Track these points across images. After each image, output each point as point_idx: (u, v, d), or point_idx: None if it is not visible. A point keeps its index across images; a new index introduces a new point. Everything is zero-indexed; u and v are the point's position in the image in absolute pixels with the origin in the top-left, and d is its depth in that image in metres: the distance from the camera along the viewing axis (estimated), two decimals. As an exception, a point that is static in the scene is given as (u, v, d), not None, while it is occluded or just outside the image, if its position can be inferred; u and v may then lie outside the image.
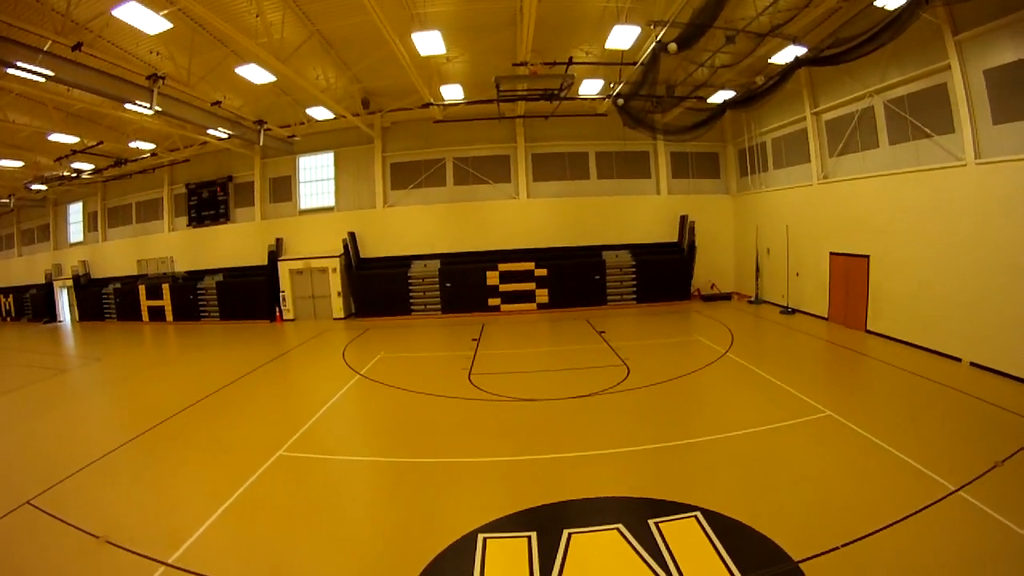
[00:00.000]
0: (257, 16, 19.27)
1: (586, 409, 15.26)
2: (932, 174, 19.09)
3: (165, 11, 16.78)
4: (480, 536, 8.82)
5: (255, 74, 21.93)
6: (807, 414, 13.81)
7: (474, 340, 25.27)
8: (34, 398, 19.86)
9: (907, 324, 20.46)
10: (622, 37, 19.55)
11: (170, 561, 8.56)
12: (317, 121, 31.31)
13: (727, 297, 34.10)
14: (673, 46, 17.88)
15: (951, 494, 9.46)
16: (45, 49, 17.85)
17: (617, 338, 24.04)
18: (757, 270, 31.73)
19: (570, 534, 8.72)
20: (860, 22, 17.78)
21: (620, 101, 25.09)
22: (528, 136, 34.78)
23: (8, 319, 49.52)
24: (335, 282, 34.36)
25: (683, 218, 33.92)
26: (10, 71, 17.86)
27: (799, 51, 20.05)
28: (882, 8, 16.48)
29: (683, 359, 20.32)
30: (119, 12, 16.29)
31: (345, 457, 13.00)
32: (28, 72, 17.85)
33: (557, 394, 16.48)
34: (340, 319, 34.14)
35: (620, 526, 8.84)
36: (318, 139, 35.26)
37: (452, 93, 28.18)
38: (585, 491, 10.25)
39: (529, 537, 8.72)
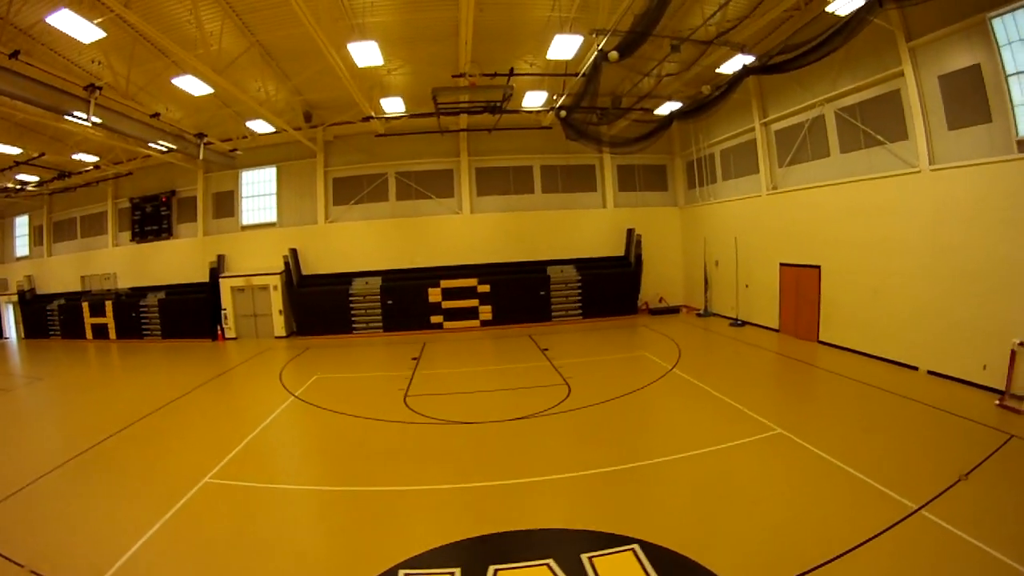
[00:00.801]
0: (196, 27, 18.42)
1: (523, 432, 14.51)
2: (885, 181, 18.85)
3: (100, 19, 16.12)
4: (401, 572, 8.15)
5: (193, 85, 21.37)
6: (757, 432, 13.15)
7: (414, 359, 24.39)
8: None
9: (861, 334, 20.12)
10: (564, 47, 19.02)
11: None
12: (260, 135, 30.39)
13: (675, 310, 33.64)
14: (614, 54, 17.44)
15: (912, 514, 8.85)
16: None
17: (560, 355, 23.33)
18: (706, 282, 31.39)
19: (496, 571, 8.05)
20: (810, 29, 17.59)
21: (563, 113, 24.77)
22: (472, 150, 34.10)
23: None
24: (276, 300, 33.17)
25: (630, 231, 33.47)
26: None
27: (747, 60, 19.78)
28: (833, 14, 16.25)
29: (628, 376, 19.60)
30: (53, 20, 15.84)
31: (269, 485, 12.09)
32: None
33: (494, 416, 15.69)
34: (282, 338, 32.91)
35: (551, 561, 8.12)
36: (261, 153, 34.14)
37: (393, 106, 27.47)
38: (517, 522, 9.58)
39: (452, 574, 8.06)
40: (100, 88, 20.23)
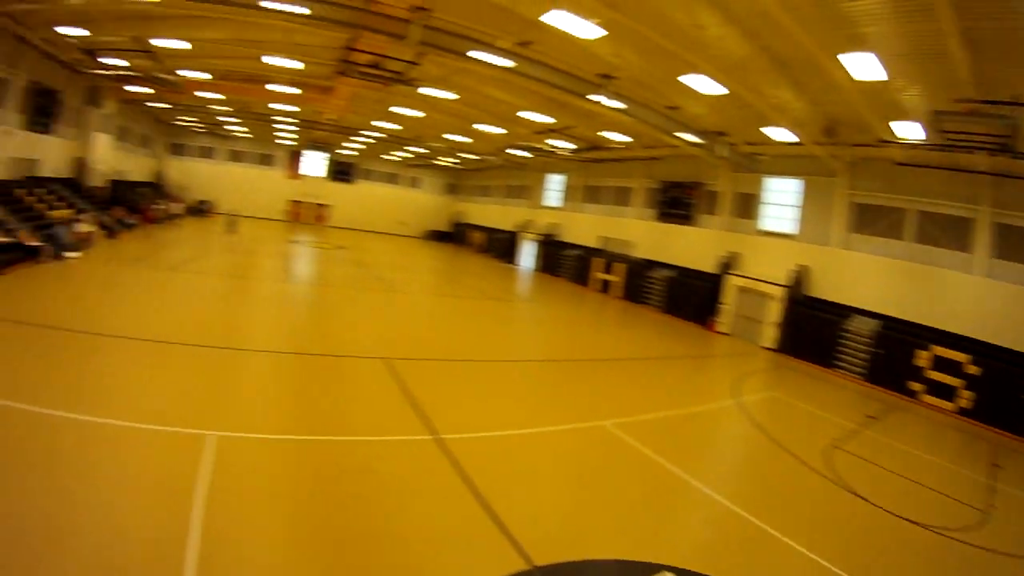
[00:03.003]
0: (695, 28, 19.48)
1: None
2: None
3: (597, 20, 18.40)
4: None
5: (702, 84, 23.76)
6: None
7: (869, 417, 21.99)
8: (465, 311, 31.78)
9: None
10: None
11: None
12: (782, 144, 31.17)
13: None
14: None
15: None
16: (499, 45, 22.31)
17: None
18: None
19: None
20: None
21: None
22: (995, 200, 27.56)
23: (479, 253, 68.99)
24: (774, 311, 33.46)
25: None
26: (473, 55, 23.09)
27: None
28: None
29: None
30: (548, 18, 18.56)
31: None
32: (490, 58, 23.06)
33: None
34: (767, 349, 33.29)
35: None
36: (784, 163, 35.46)
37: (907, 131, 24.60)
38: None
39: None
40: (614, 78, 24.44)
